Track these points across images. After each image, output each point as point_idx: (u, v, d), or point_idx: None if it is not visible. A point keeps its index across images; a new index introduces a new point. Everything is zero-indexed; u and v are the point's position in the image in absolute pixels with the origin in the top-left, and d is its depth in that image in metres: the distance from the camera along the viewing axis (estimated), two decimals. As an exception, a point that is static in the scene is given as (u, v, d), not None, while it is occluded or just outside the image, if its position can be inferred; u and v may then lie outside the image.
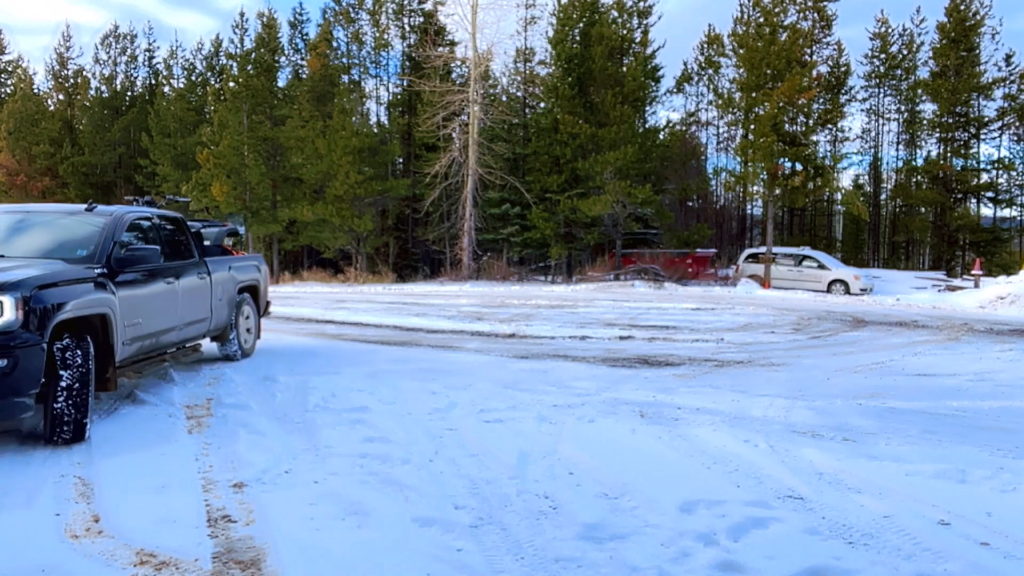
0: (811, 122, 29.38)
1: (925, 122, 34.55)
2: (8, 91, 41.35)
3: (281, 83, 33.96)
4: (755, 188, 29.75)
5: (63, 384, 4.67)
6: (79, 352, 4.83)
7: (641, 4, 30.82)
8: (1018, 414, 5.94)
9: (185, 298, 6.74)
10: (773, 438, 5.06)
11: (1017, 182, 33.37)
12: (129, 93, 40.69)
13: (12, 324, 4.41)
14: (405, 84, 34.21)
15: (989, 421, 5.69)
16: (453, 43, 33.36)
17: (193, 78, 38.86)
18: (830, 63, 33.73)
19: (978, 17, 31.79)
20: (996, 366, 8.29)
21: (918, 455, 4.71)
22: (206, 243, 8.04)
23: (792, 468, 4.44)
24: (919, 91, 33.88)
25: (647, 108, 31.58)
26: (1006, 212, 34.27)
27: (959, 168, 32.99)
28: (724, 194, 39.99)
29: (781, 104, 24.86)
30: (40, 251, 5.68)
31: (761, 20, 27.28)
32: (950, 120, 32.86)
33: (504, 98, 32.61)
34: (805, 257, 24.33)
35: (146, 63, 42.06)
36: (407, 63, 34.53)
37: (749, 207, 40.92)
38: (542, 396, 6.35)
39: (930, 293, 20.83)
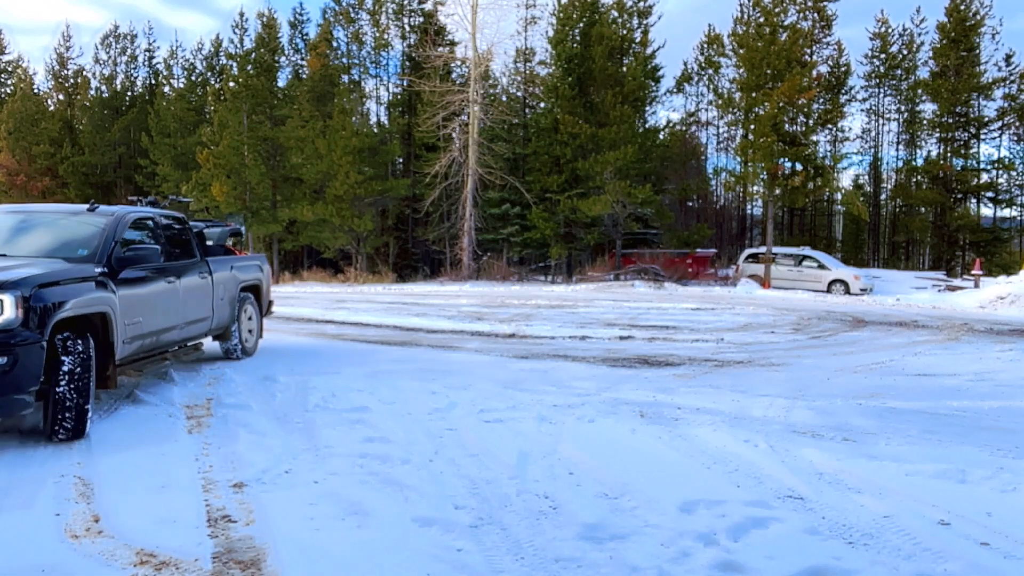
0: (811, 122, 29.38)
1: (925, 122, 34.56)
2: (8, 91, 41.37)
3: (281, 83, 34.01)
4: (755, 188, 29.76)
5: (63, 381, 4.72)
6: (79, 350, 4.87)
7: (641, 4, 30.84)
8: (1018, 414, 5.94)
9: (186, 297, 6.76)
10: (773, 438, 5.06)
11: (1017, 182, 33.39)
12: (129, 93, 40.70)
13: (12, 322, 4.46)
14: (405, 84, 34.22)
15: (989, 421, 5.69)
16: (453, 43, 33.38)
17: (193, 78, 38.86)
18: (830, 63, 33.75)
19: (978, 17, 31.80)
20: (996, 366, 8.29)
21: (918, 455, 4.71)
22: (209, 243, 8.08)
23: (792, 468, 4.44)
24: (919, 91, 33.89)
25: (647, 108, 31.61)
26: (1006, 212, 34.32)
27: (959, 168, 32.99)
28: (724, 194, 40.02)
29: (781, 104, 24.86)
30: (42, 251, 5.73)
31: (761, 20, 27.28)
32: (950, 120, 32.86)
33: (504, 98, 32.62)
34: (805, 257, 24.34)
35: (146, 63, 42.10)
36: (407, 63, 34.54)
37: (749, 207, 40.95)
38: (542, 396, 6.35)
39: (930, 293, 20.83)
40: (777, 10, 26.93)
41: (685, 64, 39.39)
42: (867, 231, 38.11)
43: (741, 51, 27.16)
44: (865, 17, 69.65)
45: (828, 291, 22.70)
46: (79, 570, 3.05)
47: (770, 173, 25.49)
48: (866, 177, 39.63)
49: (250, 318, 8.41)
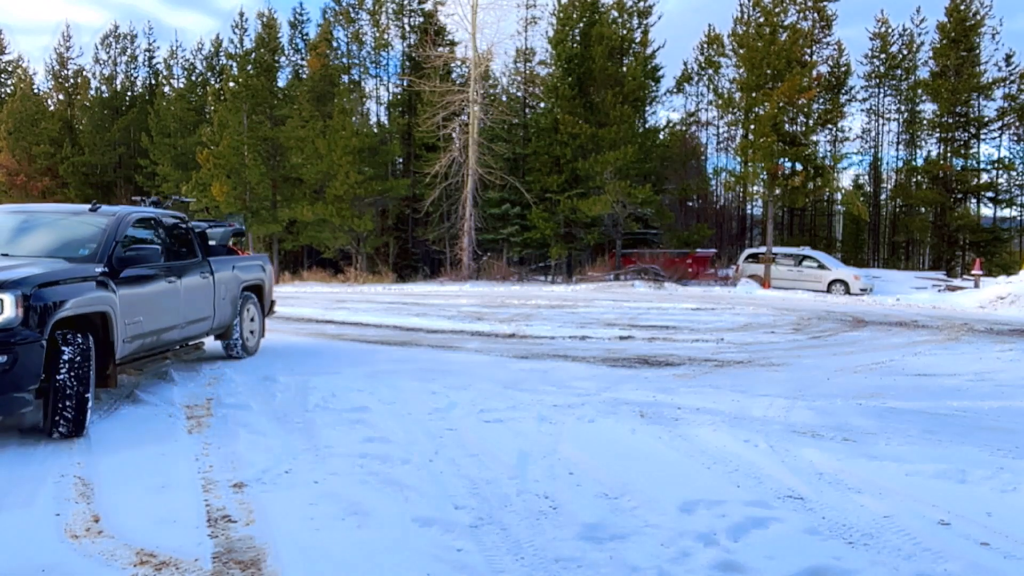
0: (811, 122, 29.38)
1: (925, 122, 34.55)
2: (8, 91, 41.36)
3: (281, 83, 34.00)
4: (755, 188, 29.76)
5: (63, 379, 4.75)
6: (79, 349, 4.89)
7: (641, 4, 30.84)
8: (1018, 414, 5.94)
9: (187, 297, 6.77)
10: (773, 438, 5.06)
11: (1017, 182, 33.39)
12: (129, 93, 40.70)
13: (12, 321, 4.50)
14: (405, 84, 34.22)
15: (989, 421, 5.69)
16: (453, 43, 33.38)
17: (193, 78, 38.86)
18: (830, 63, 33.75)
19: (978, 17, 31.80)
20: (996, 366, 8.29)
21: (918, 455, 4.71)
22: (212, 243, 8.10)
23: (792, 468, 4.44)
24: (919, 91, 33.89)
25: (647, 108, 31.61)
26: (1006, 212, 34.32)
27: (959, 168, 32.99)
28: (724, 194, 40.02)
29: (781, 104, 24.86)
30: (44, 250, 5.77)
31: (761, 20, 27.28)
32: (950, 120, 32.86)
33: (504, 98, 32.62)
34: (805, 257, 24.34)
35: (146, 63, 42.10)
36: (407, 63, 34.54)
37: (749, 207, 40.95)
38: (542, 396, 6.36)
39: (930, 293, 20.83)
40: (777, 10, 26.93)
41: (685, 64, 39.44)
42: (867, 231, 38.11)
43: (741, 51, 27.17)
44: (865, 17, 69.73)
45: (828, 291, 22.70)
46: (79, 570, 3.05)
47: (770, 173, 25.49)
48: (866, 177, 39.67)
49: (252, 319, 8.43)
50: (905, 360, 8.71)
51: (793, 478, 4.25)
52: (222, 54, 37.20)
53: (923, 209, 33.37)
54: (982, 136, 33.70)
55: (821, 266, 23.76)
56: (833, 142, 36.63)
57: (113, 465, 4.35)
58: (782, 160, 25.62)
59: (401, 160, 34.60)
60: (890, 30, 36.03)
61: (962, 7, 31.86)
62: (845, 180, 41.50)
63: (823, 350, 9.67)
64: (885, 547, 3.33)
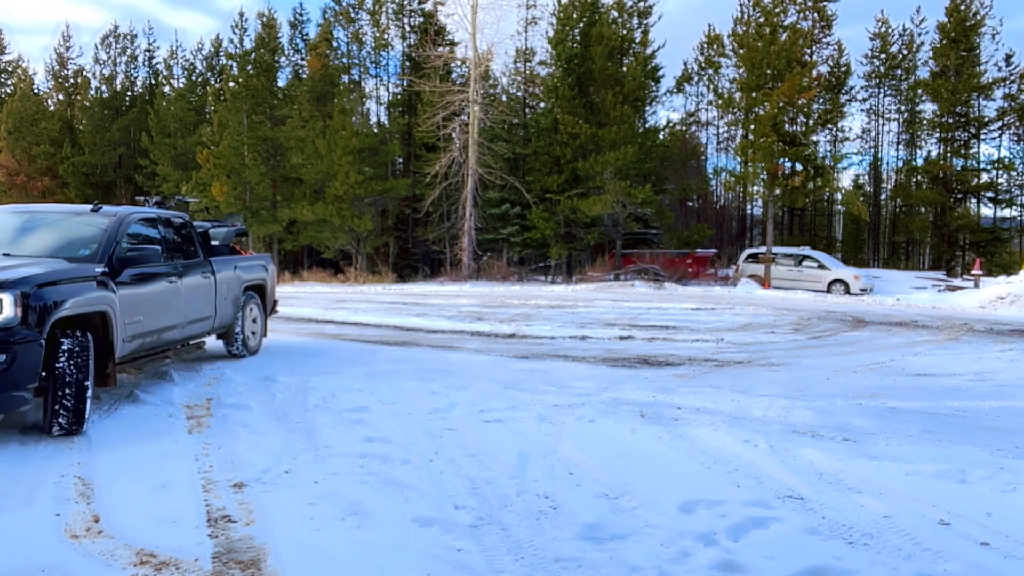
0: (811, 122, 29.38)
1: (925, 122, 34.55)
2: (8, 91, 41.35)
3: (281, 83, 33.99)
4: (755, 188, 29.75)
5: (62, 367, 4.78)
6: (78, 348, 4.91)
7: (641, 4, 30.83)
8: (1018, 414, 5.94)
9: (188, 296, 6.78)
10: (773, 438, 5.06)
11: (1017, 182, 33.38)
12: (129, 93, 40.70)
13: (11, 321, 4.52)
14: (405, 84, 34.22)
15: (989, 421, 5.69)
16: (453, 43, 33.38)
17: (193, 78, 38.85)
18: (830, 63, 33.74)
19: (978, 17, 31.80)
20: (996, 366, 8.29)
21: (918, 455, 4.71)
22: (214, 243, 8.12)
23: (792, 468, 4.44)
24: (919, 91, 33.88)
25: (647, 108, 31.59)
26: (1006, 212, 34.31)
27: (959, 168, 32.99)
28: (724, 194, 40.01)
29: (781, 104, 24.86)
30: (44, 250, 5.78)
31: (761, 20, 27.28)
32: (950, 120, 32.85)
33: (504, 98, 32.63)
34: (805, 257, 24.34)
35: (146, 63, 42.09)
36: (407, 63, 34.53)
37: (749, 207, 40.94)
38: (542, 396, 6.36)
39: (930, 293, 20.83)
40: (777, 10, 26.93)
41: (685, 64, 39.43)
42: (867, 231, 38.11)
43: (741, 51, 27.17)
44: (865, 17, 69.71)
45: (828, 291, 22.70)
46: (79, 570, 3.05)
47: (770, 173, 25.49)
48: (866, 177, 39.67)
49: (254, 319, 8.44)
50: (905, 360, 8.71)
51: (793, 478, 4.25)
52: (222, 54, 37.21)
53: (923, 209, 33.37)
54: (982, 136, 33.71)
55: (821, 266, 23.77)
56: (833, 142, 36.64)
57: (113, 465, 4.35)
58: (782, 160, 25.62)
59: (401, 160, 34.60)
60: (890, 30, 36.06)
61: (962, 7, 31.86)
62: (845, 180, 41.57)
63: (823, 350, 9.67)
64: (885, 547, 3.33)
